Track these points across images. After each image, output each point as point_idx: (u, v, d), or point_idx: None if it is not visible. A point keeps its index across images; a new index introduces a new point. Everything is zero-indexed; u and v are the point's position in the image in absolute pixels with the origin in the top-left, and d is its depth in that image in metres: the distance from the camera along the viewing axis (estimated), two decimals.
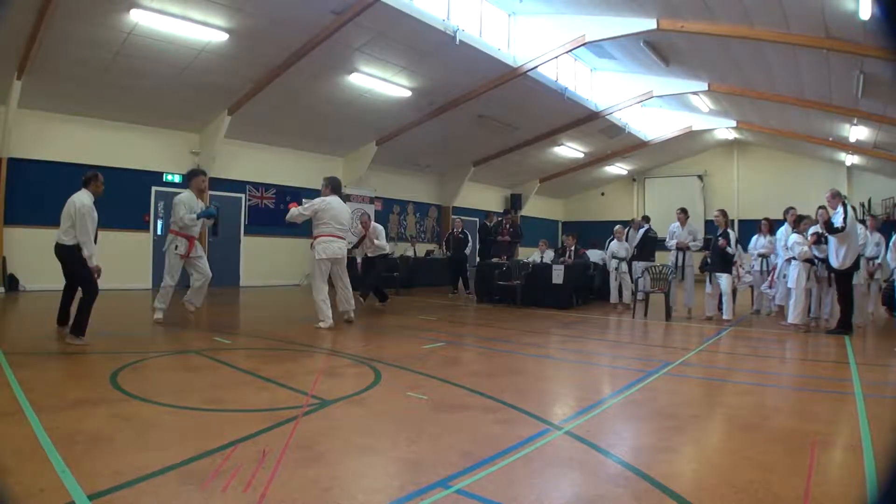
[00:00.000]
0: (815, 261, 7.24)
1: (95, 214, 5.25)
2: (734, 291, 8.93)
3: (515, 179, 19.66)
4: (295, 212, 6.70)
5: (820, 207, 7.46)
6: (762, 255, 9.16)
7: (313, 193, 13.79)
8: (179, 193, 6.94)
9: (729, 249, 8.16)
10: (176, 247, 6.63)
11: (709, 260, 8.36)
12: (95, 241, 5.24)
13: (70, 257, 5.18)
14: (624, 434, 3.16)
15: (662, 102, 15.03)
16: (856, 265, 7.00)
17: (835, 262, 6.86)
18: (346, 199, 14.01)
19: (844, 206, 6.89)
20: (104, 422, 2.96)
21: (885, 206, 16.17)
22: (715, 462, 2.71)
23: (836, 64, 8.98)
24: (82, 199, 5.26)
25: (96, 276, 5.22)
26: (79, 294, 5.29)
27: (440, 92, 11.78)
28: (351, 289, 7.05)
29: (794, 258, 7.31)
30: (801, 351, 6.28)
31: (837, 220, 6.76)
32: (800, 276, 7.19)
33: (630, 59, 12.03)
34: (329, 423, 3.07)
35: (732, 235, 8.28)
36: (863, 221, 8.82)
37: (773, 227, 9.11)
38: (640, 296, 8.93)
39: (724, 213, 8.51)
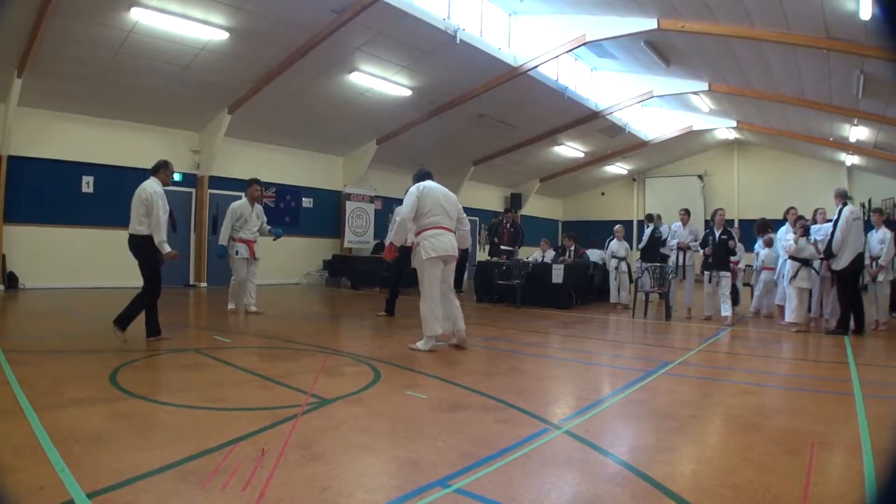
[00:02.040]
0: (814, 260, 7.26)
1: (167, 203, 5.24)
2: (735, 291, 8.96)
3: (515, 179, 19.66)
4: (399, 220, 5.36)
5: (817, 209, 7.54)
6: (757, 254, 9.19)
7: (313, 193, 14.08)
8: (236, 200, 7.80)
9: (738, 249, 8.24)
10: (237, 252, 7.50)
11: (709, 259, 8.37)
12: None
13: (145, 248, 5.11)
14: (623, 434, 3.16)
15: (663, 102, 15.02)
16: (855, 265, 6.94)
17: (833, 263, 6.90)
18: (346, 198, 14.30)
19: (844, 205, 6.91)
20: (104, 420, 2.96)
21: (885, 206, 16.16)
22: (714, 462, 2.71)
23: (836, 64, 8.98)
24: (154, 186, 5.22)
25: (169, 260, 5.17)
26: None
27: (440, 91, 11.78)
28: (458, 300, 5.56)
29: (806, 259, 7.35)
30: (801, 351, 6.28)
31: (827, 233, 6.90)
32: (793, 274, 7.25)
33: (630, 59, 12.02)
34: (328, 423, 3.07)
35: (735, 235, 8.31)
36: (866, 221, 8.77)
37: (767, 227, 9.14)
38: (639, 295, 8.94)
39: (723, 213, 8.54)
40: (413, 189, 5.38)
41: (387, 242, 5.50)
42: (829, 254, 6.86)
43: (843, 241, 6.76)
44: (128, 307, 5.04)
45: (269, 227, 7.95)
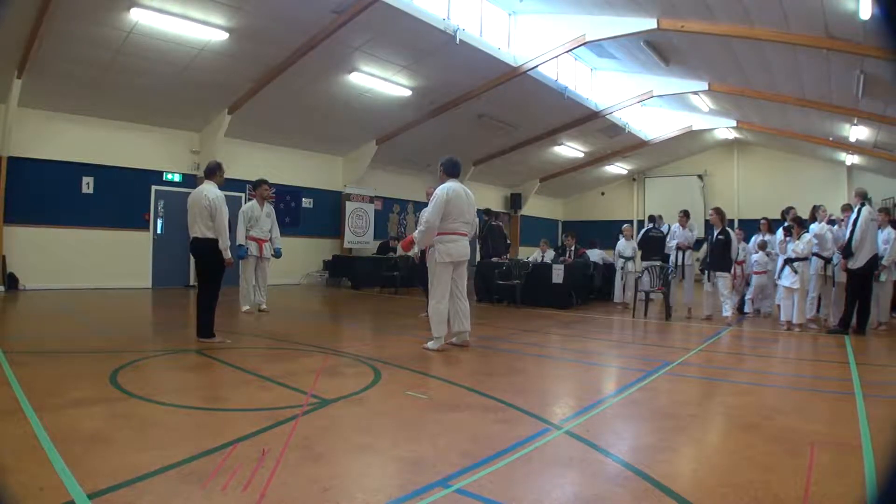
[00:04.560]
0: (818, 258, 7.30)
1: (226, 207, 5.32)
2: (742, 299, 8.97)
3: (515, 179, 19.66)
4: (424, 227, 5.39)
5: (816, 206, 7.57)
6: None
7: (313, 193, 14.07)
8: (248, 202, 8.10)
9: (741, 250, 8.24)
10: (247, 250, 7.65)
11: (706, 259, 8.38)
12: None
13: (210, 252, 5.19)
14: (624, 434, 3.16)
15: (662, 102, 15.01)
16: (871, 265, 6.90)
17: (850, 262, 6.93)
18: (346, 198, 14.29)
19: (862, 205, 6.93)
20: (104, 421, 2.96)
21: (884, 205, 16.16)
22: (714, 462, 2.71)
23: (836, 64, 8.97)
24: (213, 190, 5.26)
25: (226, 267, 5.31)
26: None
27: (440, 91, 11.78)
28: (467, 301, 5.63)
29: (789, 258, 7.38)
30: (801, 351, 6.29)
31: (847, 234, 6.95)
32: (788, 275, 7.30)
33: (630, 59, 12.02)
34: (329, 423, 3.07)
35: (733, 235, 8.29)
36: None
37: (771, 226, 9.13)
38: (640, 295, 8.94)
39: (718, 211, 8.51)
40: (440, 193, 5.38)
41: (416, 240, 5.61)
42: (847, 252, 6.87)
43: (861, 241, 6.77)
44: (199, 318, 5.28)
45: (276, 246, 8.10)
